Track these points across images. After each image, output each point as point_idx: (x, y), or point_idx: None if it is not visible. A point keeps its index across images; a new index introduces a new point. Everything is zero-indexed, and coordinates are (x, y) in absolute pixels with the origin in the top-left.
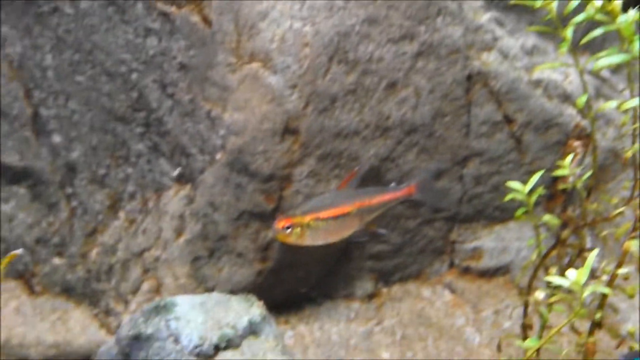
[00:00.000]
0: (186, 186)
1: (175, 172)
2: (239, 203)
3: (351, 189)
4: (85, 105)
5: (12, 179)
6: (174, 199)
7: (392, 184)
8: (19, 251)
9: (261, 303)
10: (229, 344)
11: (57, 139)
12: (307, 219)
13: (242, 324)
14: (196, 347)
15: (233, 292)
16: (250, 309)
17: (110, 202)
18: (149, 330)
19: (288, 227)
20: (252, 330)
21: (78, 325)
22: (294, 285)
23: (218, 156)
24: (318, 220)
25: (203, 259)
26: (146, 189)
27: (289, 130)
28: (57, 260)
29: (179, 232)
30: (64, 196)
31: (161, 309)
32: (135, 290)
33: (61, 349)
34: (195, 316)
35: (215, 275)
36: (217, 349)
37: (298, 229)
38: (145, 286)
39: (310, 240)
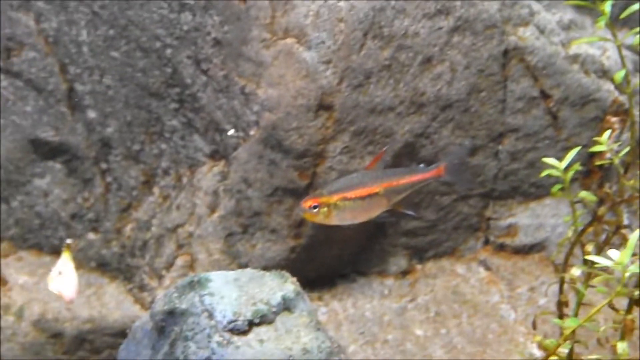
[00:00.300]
0: (220, 162)
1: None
2: (272, 179)
3: (379, 169)
4: (120, 80)
5: (47, 155)
6: (208, 175)
7: (422, 165)
8: (69, 241)
9: (295, 279)
10: (263, 319)
11: (92, 114)
12: (335, 198)
13: (276, 300)
14: (230, 322)
15: (266, 268)
16: (284, 285)
17: (145, 177)
18: (183, 306)
19: (315, 207)
20: (286, 306)
21: (113, 301)
22: (327, 262)
23: (252, 132)
24: (345, 200)
25: (237, 235)
26: (180, 164)
27: (323, 106)
28: (92, 236)
29: (212, 208)
30: (99, 172)
31: (195, 285)
32: (169, 266)
33: (96, 324)
34: (229, 292)
35: (248, 251)
36: (251, 324)
37: (325, 209)
38: (179, 262)
39: (337, 219)
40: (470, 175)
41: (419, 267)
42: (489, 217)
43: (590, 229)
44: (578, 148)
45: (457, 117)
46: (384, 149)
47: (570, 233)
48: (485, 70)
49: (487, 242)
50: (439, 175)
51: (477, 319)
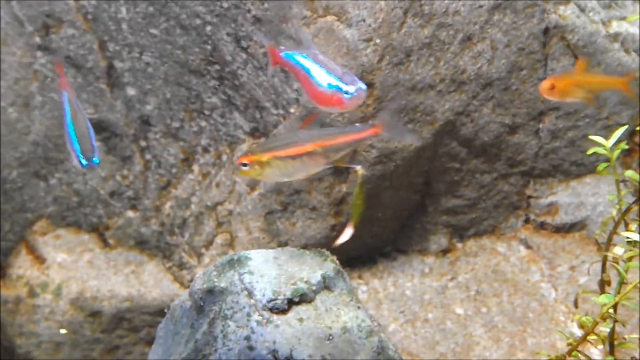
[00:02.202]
0: (260, 140)
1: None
2: None
3: (316, 129)
4: (159, 58)
5: None
6: None
7: (357, 124)
8: None
9: (335, 258)
10: (303, 298)
11: (131, 91)
12: (266, 157)
13: (316, 279)
14: (270, 301)
15: (306, 246)
16: (324, 264)
17: (184, 155)
18: (223, 284)
19: (245, 164)
20: (326, 285)
21: (151, 279)
22: (367, 240)
23: (292, 110)
24: (277, 159)
25: (277, 213)
26: (220, 142)
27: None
28: (131, 214)
29: (252, 186)
30: (138, 149)
31: (235, 263)
32: (208, 244)
33: (135, 302)
34: (269, 270)
35: (288, 229)
36: (290, 303)
37: (257, 167)
38: (219, 240)
39: (272, 177)
40: (406, 129)
41: (459, 245)
42: (530, 196)
43: (635, 208)
44: (625, 127)
45: (497, 96)
46: (318, 110)
47: (614, 212)
48: (526, 48)
49: (527, 220)
50: (376, 133)
51: (518, 297)
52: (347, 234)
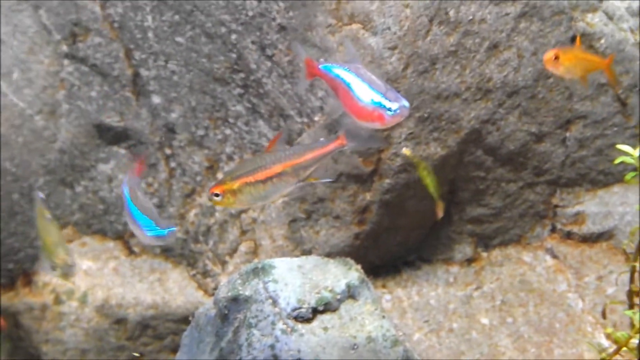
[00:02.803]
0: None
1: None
2: (336, 165)
3: (281, 150)
4: (184, 66)
5: (112, 140)
6: None
7: (322, 139)
8: None
9: (359, 267)
10: (327, 307)
11: (156, 99)
12: (236, 184)
13: (340, 288)
14: (294, 309)
15: (330, 254)
16: (349, 273)
17: (209, 163)
18: (247, 292)
19: (217, 195)
20: (351, 294)
21: (176, 286)
22: (391, 249)
23: (316, 118)
24: (248, 185)
25: (300, 221)
26: (244, 150)
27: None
28: None
29: None
30: (163, 157)
31: (259, 271)
32: (232, 252)
33: (159, 310)
34: (293, 279)
35: (312, 237)
36: (315, 312)
37: (229, 195)
38: (243, 248)
39: (244, 203)
40: (369, 135)
41: (484, 254)
42: (556, 205)
43: None
44: None
45: (523, 104)
46: (281, 130)
47: None
48: None
49: (554, 230)
50: (342, 144)
51: (544, 307)
52: (440, 209)
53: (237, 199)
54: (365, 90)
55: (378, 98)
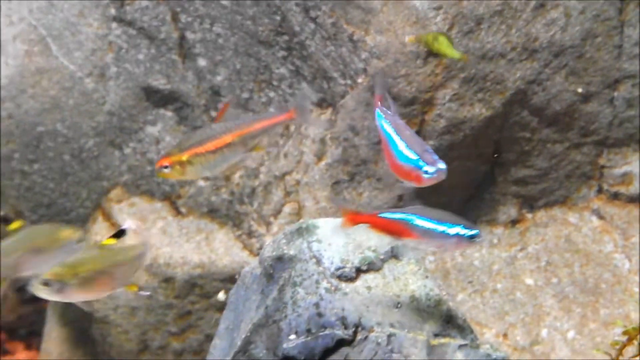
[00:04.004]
0: (327, 110)
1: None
2: None
3: (229, 120)
4: (229, 29)
5: (158, 102)
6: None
7: (270, 110)
8: None
9: None
10: (371, 266)
11: (202, 62)
12: (185, 155)
13: (384, 248)
14: (338, 269)
15: None
16: None
17: None
18: (292, 252)
19: (166, 167)
20: (394, 253)
21: (222, 246)
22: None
23: (360, 80)
24: (197, 156)
25: (343, 183)
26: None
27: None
28: (201, 183)
29: (319, 156)
30: (209, 119)
31: (303, 231)
32: (276, 213)
33: (206, 269)
34: (337, 239)
35: (355, 199)
36: (358, 271)
37: (178, 167)
38: (287, 209)
39: (194, 174)
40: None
41: (529, 216)
42: (603, 166)
43: None
44: None
45: (570, 64)
46: (228, 100)
47: None
48: (601, 15)
49: (600, 190)
50: (290, 118)
51: (590, 268)
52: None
53: (186, 170)
54: (404, 150)
55: (415, 159)
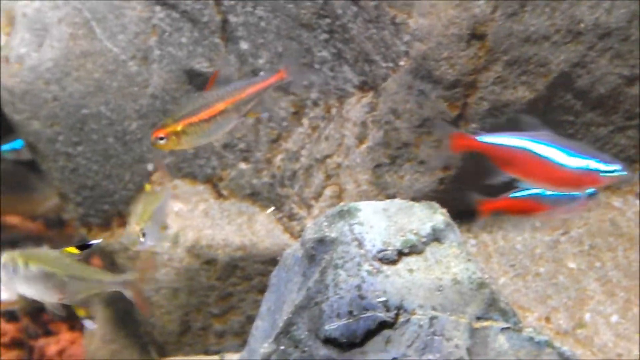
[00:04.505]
0: (369, 93)
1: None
2: (421, 110)
3: (221, 88)
4: (272, 12)
5: (201, 85)
6: (357, 106)
7: (262, 73)
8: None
9: (444, 210)
10: (413, 249)
11: (244, 45)
12: (180, 126)
13: (426, 231)
14: (380, 251)
15: (414, 199)
16: (434, 216)
17: (295, 109)
18: (333, 234)
19: (162, 138)
20: (436, 237)
21: (263, 229)
22: (477, 194)
23: (402, 63)
24: (191, 125)
25: (385, 166)
26: (329, 96)
27: (475, 36)
28: (243, 165)
29: (361, 139)
30: None
31: (345, 214)
32: (317, 196)
33: (247, 251)
34: (378, 221)
35: (396, 182)
36: (400, 254)
37: (173, 137)
38: (328, 192)
39: (190, 143)
40: (310, 70)
41: None
42: None
43: None
44: None
45: (616, 46)
46: (219, 68)
47: None
48: None
49: None
50: (281, 78)
51: (634, 252)
52: None
53: (182, 139)
54: (570, 157)
55: (592, 163)
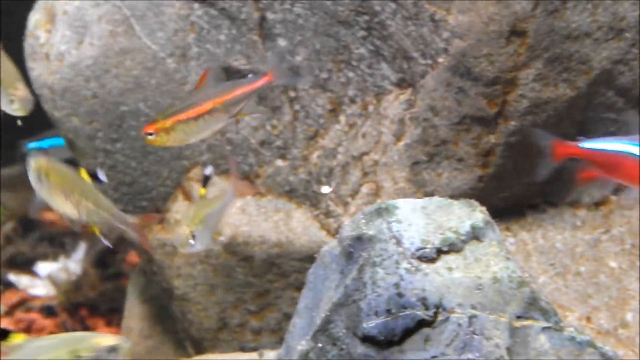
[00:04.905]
0: (407, 90)
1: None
2: (460, 107)
3: (211, 87)
4: (309, 9)
5: None
6: (394, 103)
7: (250, 75)
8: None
9: (484, 208)
10: (451, 248)
11: (282, 43)
12: (169, 122)
13: (465, 229)
14: (418, 249)
15: (453, 197)
16: (473, 214)
17: (332, 106)
18: (371, 232)
19: (151, 134)
20: (475, 235)
21: (300, 226)
22: (516, 192)
23: (441, 60)
24: (180, 123)
25: (422, 164)
26: (367, 93)
27: (515, 32)
28: (280, 163)
29: (398, 137)
30: (288, 100)
31: (383, 211)
32: (354, 193)
33: (284, 248)
34: (417, 219)
35: (434, 180)
36: (439, 252)
37: (162, 134)
38: (365, 189)
39: (178, 141)
40: (296, 71)
41: (613, 198)
42: None
43: None
44: None
45: None
46: (210, 67)
47: None
48: None
49: None
50: (269, 81)
51: None
52: None
53: (170, 136)
54: None
55: None
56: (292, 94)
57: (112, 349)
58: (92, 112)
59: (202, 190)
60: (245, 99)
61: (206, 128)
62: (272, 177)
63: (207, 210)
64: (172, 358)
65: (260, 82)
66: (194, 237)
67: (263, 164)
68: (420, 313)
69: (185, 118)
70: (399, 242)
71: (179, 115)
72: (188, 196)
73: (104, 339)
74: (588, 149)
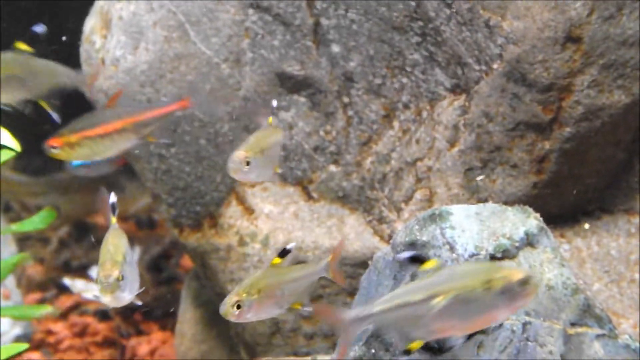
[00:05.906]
0: (461, 96)
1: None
2: (515, 113)
3: (124, 107)
4: (364, 15)
5: (292, 88)
6: (448, 109)
7: (163, 99)
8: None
9: (538, 215)
10: (505, 254)
11: (336, 48)
12: (75, 137)
13: (519, 235)
14: (472, 256)
15: (506, 204)
16: (527, 220)
17: (385, 111)
18: (424, 238)
19: (54, 147)
20: (529, 241)
21: (353, 232)
22: (570, 199)
23: (495, 65)
24: (86, 139)
25: (476, 170)
26: (420, 98)
27: (571, 39)
28: (333, 168)
29: (452, 143)
30: (341, 105)
31: (436, 217)
32: (408, 199)
33: None
34: (471, 226)
35: (488, 186)
36: (492, 258)
37: (67, 148)
38: (418, 195)
39: (83, 156)
40: (214, 103)
41: None
42: None
43: None
44: None
45: None
46: (119, 88)
47: None
48: None
49: None
50: (184, 106)
51: None
52: None
53: (75, 152)
54: None
55: None
56: (345, 99)
57: (523, 282)
58: None
59: (270, 120)
60: (156, 122)
61: (113, 147)
62: (325, 183)
63: (267, 140)
64: None
65: (173, 106)
66: (248, 163)
67: (316, 169)
68: None
69: (93, 135)
70: (452, 249)
71: (86, 131)
72: (242, 201)
73: (516, 272)
74: None
